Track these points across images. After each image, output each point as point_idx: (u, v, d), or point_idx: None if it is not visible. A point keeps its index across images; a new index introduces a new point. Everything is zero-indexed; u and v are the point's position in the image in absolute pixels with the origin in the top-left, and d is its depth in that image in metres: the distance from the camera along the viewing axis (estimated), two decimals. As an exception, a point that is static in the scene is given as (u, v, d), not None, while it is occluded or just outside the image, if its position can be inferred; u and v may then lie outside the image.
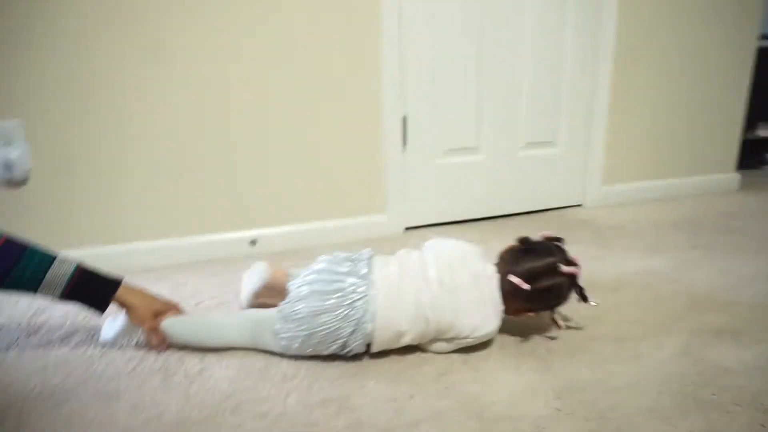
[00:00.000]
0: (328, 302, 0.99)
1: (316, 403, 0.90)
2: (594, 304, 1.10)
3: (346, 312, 0.98)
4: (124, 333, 1.10)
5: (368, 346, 1.02)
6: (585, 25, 1.96)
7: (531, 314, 1.08)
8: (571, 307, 1.13)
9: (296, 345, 1.01)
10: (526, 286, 1.03)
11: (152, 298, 1.10)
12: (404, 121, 1.79)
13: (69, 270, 1.01)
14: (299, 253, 1.65)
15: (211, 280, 1.48)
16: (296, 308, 1.00)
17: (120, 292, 1.05)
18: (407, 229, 1.91)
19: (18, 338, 1.15)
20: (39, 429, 0.84)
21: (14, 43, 1.40)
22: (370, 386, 0.95)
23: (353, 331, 0.98)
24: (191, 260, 1.63)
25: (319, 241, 1.74)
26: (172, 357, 1.06)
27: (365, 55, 1.69)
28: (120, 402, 0.92)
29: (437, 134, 1.86)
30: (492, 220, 2.01)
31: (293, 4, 1.59)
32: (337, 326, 0.98)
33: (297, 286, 1.03)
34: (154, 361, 1.05)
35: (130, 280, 1.09)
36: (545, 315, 1.13)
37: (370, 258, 1.09)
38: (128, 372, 1.01)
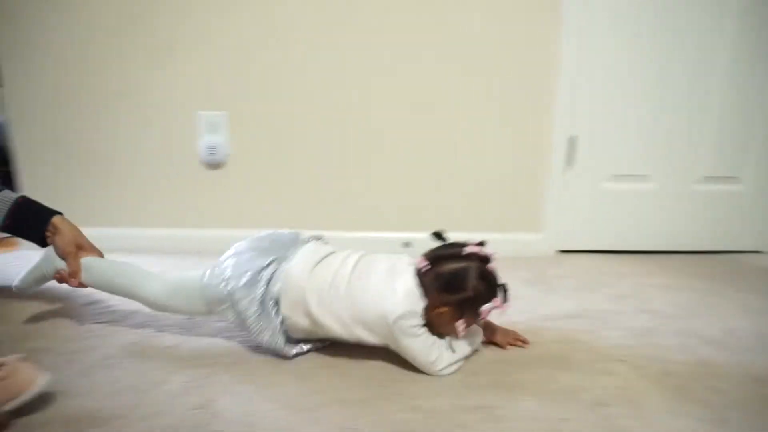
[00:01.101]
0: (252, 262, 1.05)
1: (464, 407, 0.92)
2: (502, 305, 1.00)
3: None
4: (38, 269, 1.16)
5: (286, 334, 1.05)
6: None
7: (442, 310, 0.99)
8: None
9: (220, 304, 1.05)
10: (423, 264, 1.01)
11: (82, 234, 1.16)
12: (572, 141, 1.74)
13: (10, 198, 1.09)
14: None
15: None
16: (224, 265, 1.06)
17: (55, 219, 1.13)
18: (561, 251, 1.85)
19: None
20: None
21: (228, 47, 1.62)
22: (522, 401, 0.94)
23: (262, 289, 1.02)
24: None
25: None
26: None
27: (540, 61, 1.67)
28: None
29: (605, 157, 1.78)
30: (653, 255, 1.87)
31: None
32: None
33: (224, 257, 1.09)
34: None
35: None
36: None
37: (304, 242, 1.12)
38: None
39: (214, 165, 1.70)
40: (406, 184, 1.74)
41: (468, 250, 1.01)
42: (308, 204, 1.74)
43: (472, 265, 1.00)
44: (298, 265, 1.05)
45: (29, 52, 1.64)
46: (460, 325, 1.00)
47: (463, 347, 1.06)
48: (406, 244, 1.76)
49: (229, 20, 1.61)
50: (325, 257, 1.08)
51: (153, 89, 1.66)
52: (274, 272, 1.04)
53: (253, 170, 1.72)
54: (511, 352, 1.13)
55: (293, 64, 1.64)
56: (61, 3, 1.60)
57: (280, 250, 1.09)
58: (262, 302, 1.02)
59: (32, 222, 1.13)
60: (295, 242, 1.13)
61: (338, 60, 1.64)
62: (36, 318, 1.24)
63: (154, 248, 1.73)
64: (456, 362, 1.03)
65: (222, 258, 1.09)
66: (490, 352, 1.12)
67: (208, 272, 1.08)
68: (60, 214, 1.16)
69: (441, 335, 1.04)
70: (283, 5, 1.60)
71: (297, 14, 1.61)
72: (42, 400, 0.87)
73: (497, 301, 1.01)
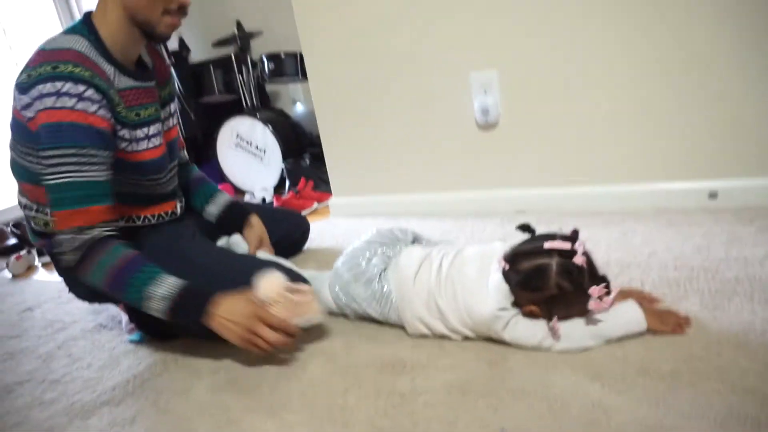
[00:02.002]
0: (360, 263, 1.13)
1: None
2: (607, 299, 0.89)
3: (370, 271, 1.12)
4: None
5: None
6: None
7: (532, 308, 0.94)
8: None
9: (343, 297, 1.15)
10: (502, 264, 0.97)
11: (265, 232, 1.38)
12: None
13: (226, 199, 1.16)
14: (761, 211, 1.36)
15: (663, 231, 1.38)
16: (338, 264, 1.17)
17: (252, 217, 1.37)
18: None
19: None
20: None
21: (500, 6, 1.58)
22: None
23: (382, 298, 1.10)
24: (642, 208, 1.56)
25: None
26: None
27: None
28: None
29: None
30: None
31: None
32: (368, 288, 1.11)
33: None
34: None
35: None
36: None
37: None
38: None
39: (488, 126, 1.71)
40: (710, 128, 1.45)
41: (548, 245, 0.93)
42: (577, 160, 1.61)
43: (552, 262, 0.92)
44: (405, 269, 1.09)
45: (325, 48, 1.89)
46: (554, 324, 0.92)
47: (576, 339, 0.94)
48: (713, 195, 1.48)
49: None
50: (422, 266, 1.08)
51: (427, 53, 1.74)
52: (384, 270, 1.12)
53: (524, 131, 1.66)
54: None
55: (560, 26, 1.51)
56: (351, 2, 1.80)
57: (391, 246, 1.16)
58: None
59: (237, 217, 1.39)
60: (399, 242, 1.17)
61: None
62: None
63: (435, 212, 1.85)
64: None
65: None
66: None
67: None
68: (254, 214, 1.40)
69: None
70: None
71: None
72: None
73: (595, 290, 0.89)
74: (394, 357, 1.02)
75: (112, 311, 1.47)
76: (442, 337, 1.04)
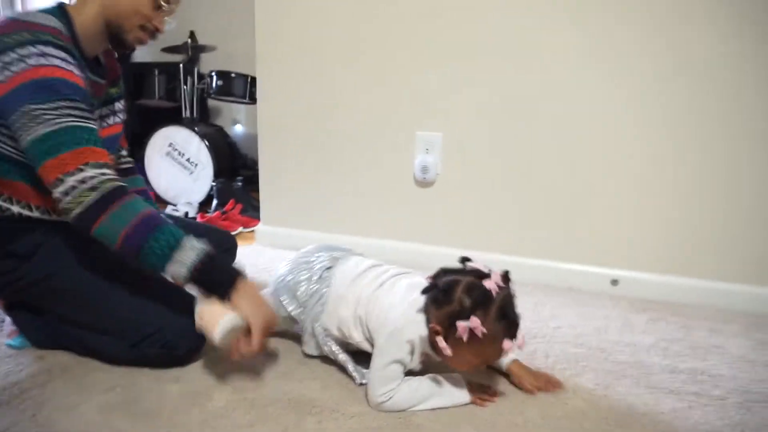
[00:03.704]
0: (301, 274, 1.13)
1: None
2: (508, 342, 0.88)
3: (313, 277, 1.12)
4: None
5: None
6: None
7: (436, 328, 0.92)
8: None
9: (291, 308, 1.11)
10: (428, 280, 0.97)
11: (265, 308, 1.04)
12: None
13: (194, 255, 0.98)
14: (665, 307, 1.51)
15: (569, 308, 1.49)
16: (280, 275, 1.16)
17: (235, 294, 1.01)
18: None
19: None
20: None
21: (442, 70, 1.69)
22: None
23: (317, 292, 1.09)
24: (551, 284, 1.67)
25: (695, 300, 1.56)
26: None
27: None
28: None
29: None
30: None
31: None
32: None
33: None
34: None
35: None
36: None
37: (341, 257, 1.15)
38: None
39: (425, 183, 1.78)
40: (612, 220, 1.61)
41: (469, 265, 0.95)
42: (512, 229, 1.72)
43: (464, 279, 0.92)
44: (345, 272, 1.10)
45: (280, 75, 1.91)
46: (441, 342, 0.91)
47: (438, 397, 0.97)
48: (614, 282, 1.63)
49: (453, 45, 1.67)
50: (368, 269, 1.10)
51: (377, 108, 1.81)
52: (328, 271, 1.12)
53: (460, 191, 1.75)
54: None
55: (509, 90, 1.64)
56: (304, 31, 1.84)
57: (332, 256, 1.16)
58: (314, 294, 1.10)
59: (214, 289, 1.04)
60: (349, 251, 1.19)
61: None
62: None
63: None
64: (413, 407, 0.96)
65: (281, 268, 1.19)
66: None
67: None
68: (237, 277, 1.04)
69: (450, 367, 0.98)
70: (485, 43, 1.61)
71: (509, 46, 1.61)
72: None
73: (475, 321, 0.87)
74: (304, 396, 1.00)
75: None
76: (347, 375, 1.06)
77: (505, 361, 1.06)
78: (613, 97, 1.55)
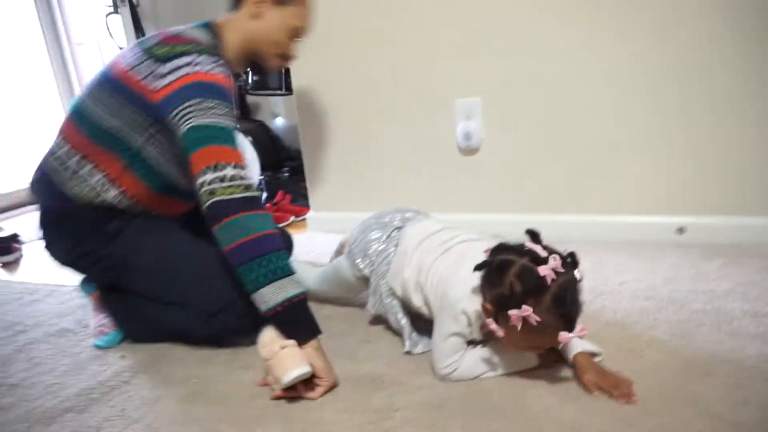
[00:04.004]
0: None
1: None
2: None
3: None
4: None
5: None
6: None
7: (486, 306, 0.90)
8: None
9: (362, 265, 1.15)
10: (486, 254, 0.93)
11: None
12: None
13: (285, 294, 0.97)
14: (737, 250, 1.42)
15: (633, 262, 1.43)
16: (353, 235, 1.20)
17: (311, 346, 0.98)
18: None
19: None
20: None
21: (475, 34, 1.63)
22: None
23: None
24: (613, 239, 1.60)
25: (757, 239, 1.46)
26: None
27: None
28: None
29: None
30: None
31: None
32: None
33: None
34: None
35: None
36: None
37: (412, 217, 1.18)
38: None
39: (469, 150, 1.75)
40: (682, 164, 1.52)
41: (528, 246, 0.88)
42: (567, 186, 1.66)
43: (519, 261, 0.87)
44: (413, 233, 1.11)
45: (313, 63, 1.91)
46: (492, 324, 0.89)
47: (506, 364, 0.96)
48: (680, 230, 1.54)
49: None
50: (436, 233, 1.10)
51: (413, 80, 1.78)
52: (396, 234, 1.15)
53: (506, 154, 1.71)
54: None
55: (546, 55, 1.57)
56: (333, 14, 1.82)
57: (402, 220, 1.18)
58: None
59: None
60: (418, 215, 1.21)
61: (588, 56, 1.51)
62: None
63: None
64: (480, 375, 0.96)
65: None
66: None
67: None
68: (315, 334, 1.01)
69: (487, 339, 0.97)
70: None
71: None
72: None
73: (526, 310, 0.82)
74: (371, 373, 1.01)
75: (78, 315, 1.42)
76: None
77: (572, 352, 0.94)
78: (664, 46, 1.46)
